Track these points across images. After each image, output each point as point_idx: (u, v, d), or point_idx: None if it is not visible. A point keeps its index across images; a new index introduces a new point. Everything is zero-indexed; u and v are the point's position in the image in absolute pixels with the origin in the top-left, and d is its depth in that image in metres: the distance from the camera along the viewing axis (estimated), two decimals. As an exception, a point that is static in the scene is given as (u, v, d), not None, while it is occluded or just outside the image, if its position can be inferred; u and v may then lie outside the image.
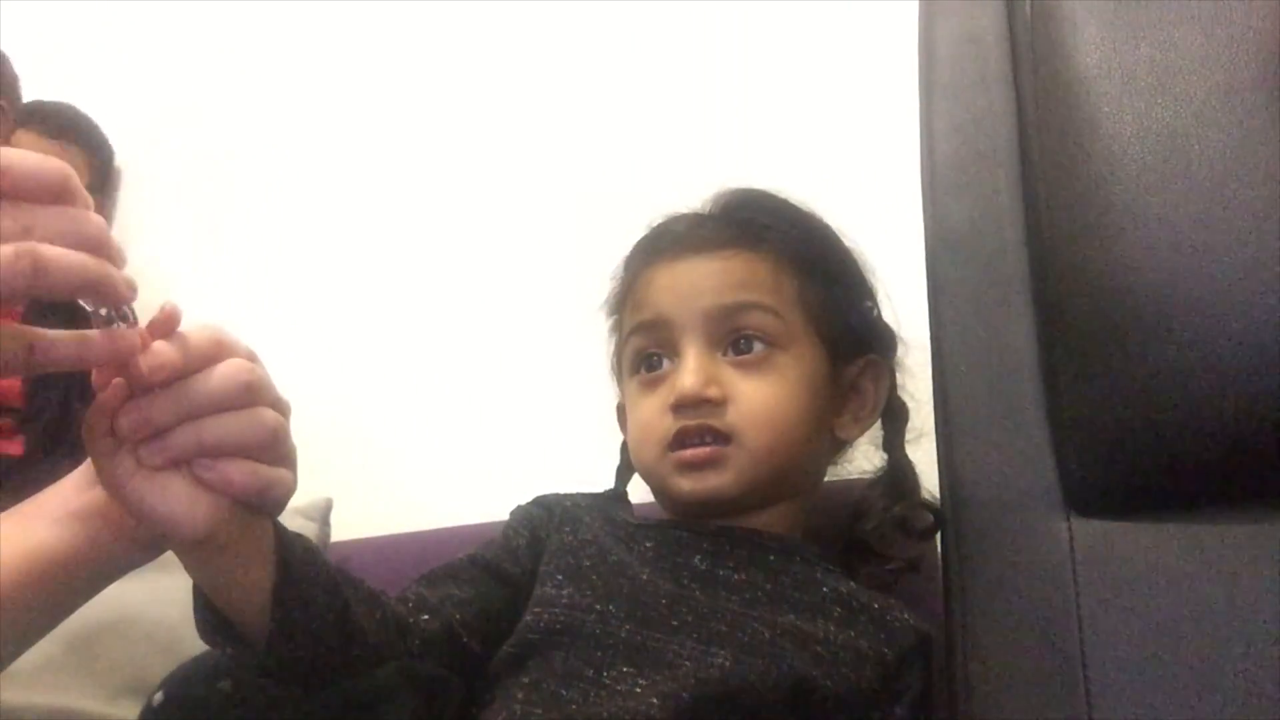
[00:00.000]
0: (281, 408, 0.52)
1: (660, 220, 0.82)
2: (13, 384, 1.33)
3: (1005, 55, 0.77)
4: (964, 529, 0.69)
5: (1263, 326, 0.59)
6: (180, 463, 0.49)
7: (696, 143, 1.25)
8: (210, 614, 0.57)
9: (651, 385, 0.76)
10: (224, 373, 0.49)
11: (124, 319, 0.46)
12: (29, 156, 0.42)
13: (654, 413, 0.74)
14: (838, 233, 0.82)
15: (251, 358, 0.51)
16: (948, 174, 0.77)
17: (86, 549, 0.57)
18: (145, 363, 0.46)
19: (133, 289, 0.45)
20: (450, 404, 1.32)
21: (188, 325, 0.49)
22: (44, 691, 0.87)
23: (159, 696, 0.61)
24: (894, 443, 0.80)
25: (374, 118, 1.51)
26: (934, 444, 0.74)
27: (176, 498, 0.49)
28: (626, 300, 0.80)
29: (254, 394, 0.49)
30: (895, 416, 0.81)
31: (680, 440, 0.72)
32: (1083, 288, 0.64)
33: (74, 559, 0.57)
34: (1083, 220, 0.65)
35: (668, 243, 0.78)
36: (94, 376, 0.48)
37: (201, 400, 0.48)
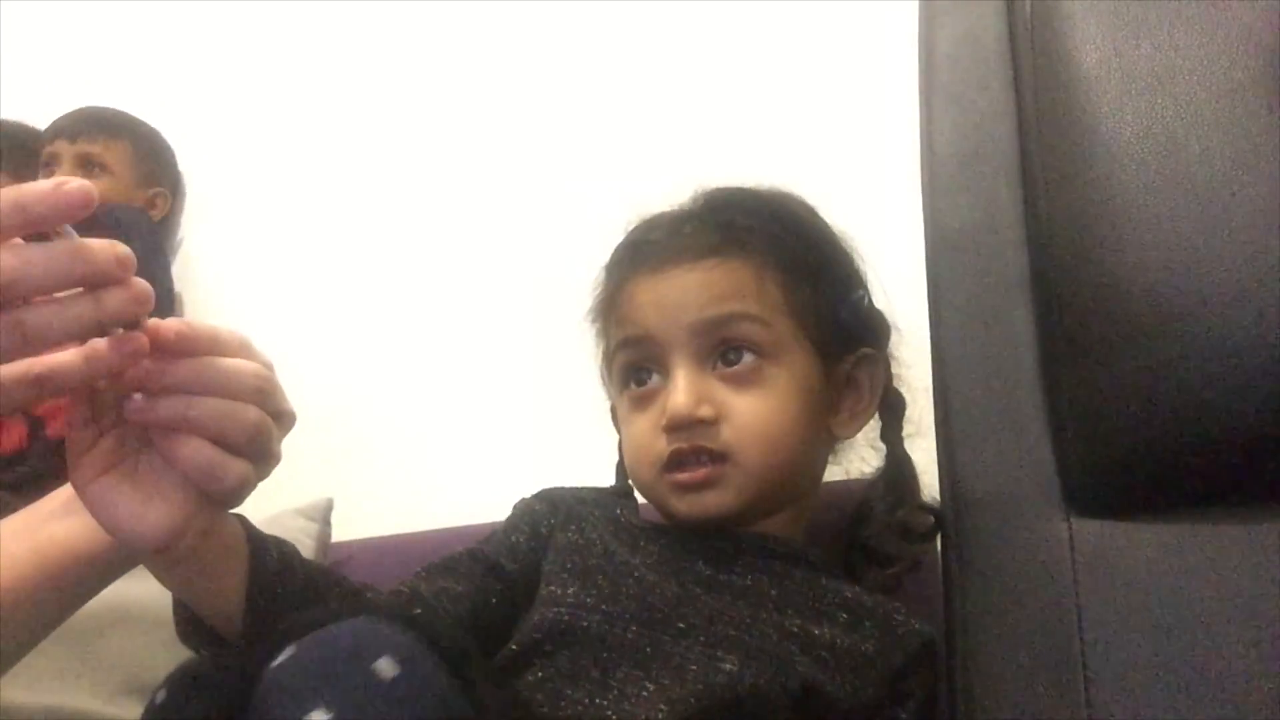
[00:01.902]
0: (286, 418, 0.52)
1: (639, 225, 0.80)
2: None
3: (1005, 55, 0.77)
4: (964, 529, 0.69)
5: (1263, 326, 0.59)
6: (157, 428, 0.48)
7: (696, 143, 1.25)
8: (186, 615, 0.57)
9: (642, 402, 0.74)
10: (239, 367, 0.49)
11: (132, 325, 0.45)
12: None
13: (646, 432, 0.73)
14: (823, 221, 0.80)
15: (269, 368, 0.51)
16: (948, 174, 0.77)
17: (94, 542, 0.57)
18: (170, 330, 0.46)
19: (145, 302, 0.45)
20: (451, 404, 1.32)
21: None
22: (44, 691, 0.87)
23: (162, 694, 0.61)
24: (892, 436, 0.79)
25: (377, 123, 1.51)
26: (931, 442, 0.74)
27: (129, 506, 0.49)
28: (610, 313, 0.78)
29: (262, 397, 0.49)
30: (892, 409, 0.79)
31: (675, 462, 0.71)
32: (1083, 288, 0.65)
33: (82, 552, 0.57)
34: (1083, 220, 0.65)
35: (649, 253, 0.76)
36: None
37: (210, 379, 0.48)
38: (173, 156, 1.66)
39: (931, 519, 0.76)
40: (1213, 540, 0.61)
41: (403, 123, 1.49)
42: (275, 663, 0.48)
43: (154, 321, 0.46)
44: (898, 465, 0.78)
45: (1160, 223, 0.62)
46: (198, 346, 0.48)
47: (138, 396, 0.48)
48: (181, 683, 0.60)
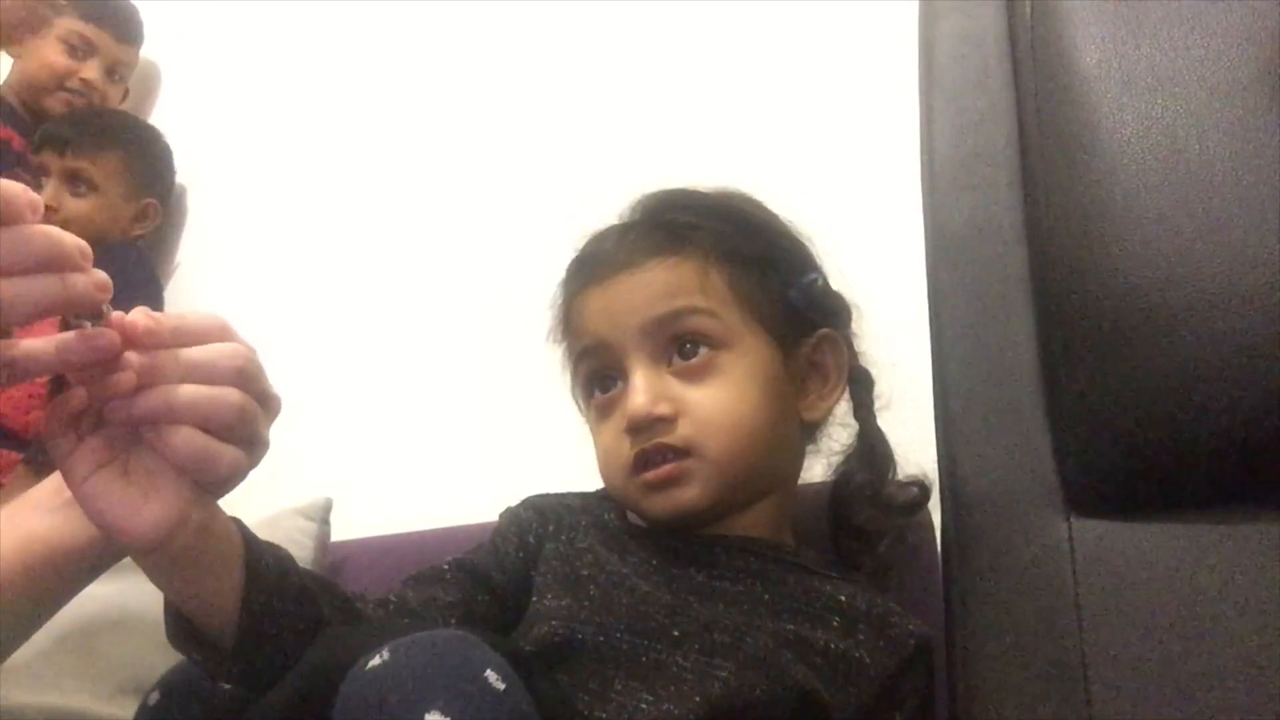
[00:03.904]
0: (272, 402, 0.51)
1: (587, 240, 0.80)
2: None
3: (1005, 55, 0.77)
4: (964, 529, 0.69)
5: (1263, 326, 0.59)
6: (141, 424, 0.48)
7: (694, 144, 1.25)
8: (178, 620, 0.56)
9: (607, 409, 0.74)
10: (216, 351, 0.49)
11: (97, 317, 0.45)
12: None
13: (612, 438, 0.73)
14: (768, 212, 0.80)
15: (250, 350, 0.51)
16: (948, 174, 0.77)
17: (80, 537, 0.57)
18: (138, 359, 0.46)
19: (104, 289, 0.45)
20: (450, 404, 1.32)
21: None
22: (44, 691, 0.87)
23: (155, 695, 0.61)
24: (863, 412, 0.79)
25: (376, 124, 1.51)
26: (903, 413, 0.75)
27: (124, 503, 0.49)
28: (567, 328, 0.79)
29: (244, 380, 0.49)
30: (860, 385, 0.79)
31: (641, 463, 0.71)
32: (1083, 287, 0.64)
33: (68, 547, 0.57)
34: (1083, 220, 0.65)
35: (596, 265, 0.77)
36: (72, 378, 0.48)
37: (187, 368, 0.48)
38: (167, 156, 1.64)
39: (915, 490, 0.76)
40: (1213, 540, 0.61)
41: (403, 121, 1.49)
42: (370, 664, 0.48)
43: (118, 315, 0.46)
44: (870, 440, 0.78)
45: (1160, 222, 0.62)
46: (167, 337, 0.47)
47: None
48: (175, 685, 0.60)
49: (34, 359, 0.44)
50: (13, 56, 1.68)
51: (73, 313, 0.45)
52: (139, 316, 0.47)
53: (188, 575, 0.54)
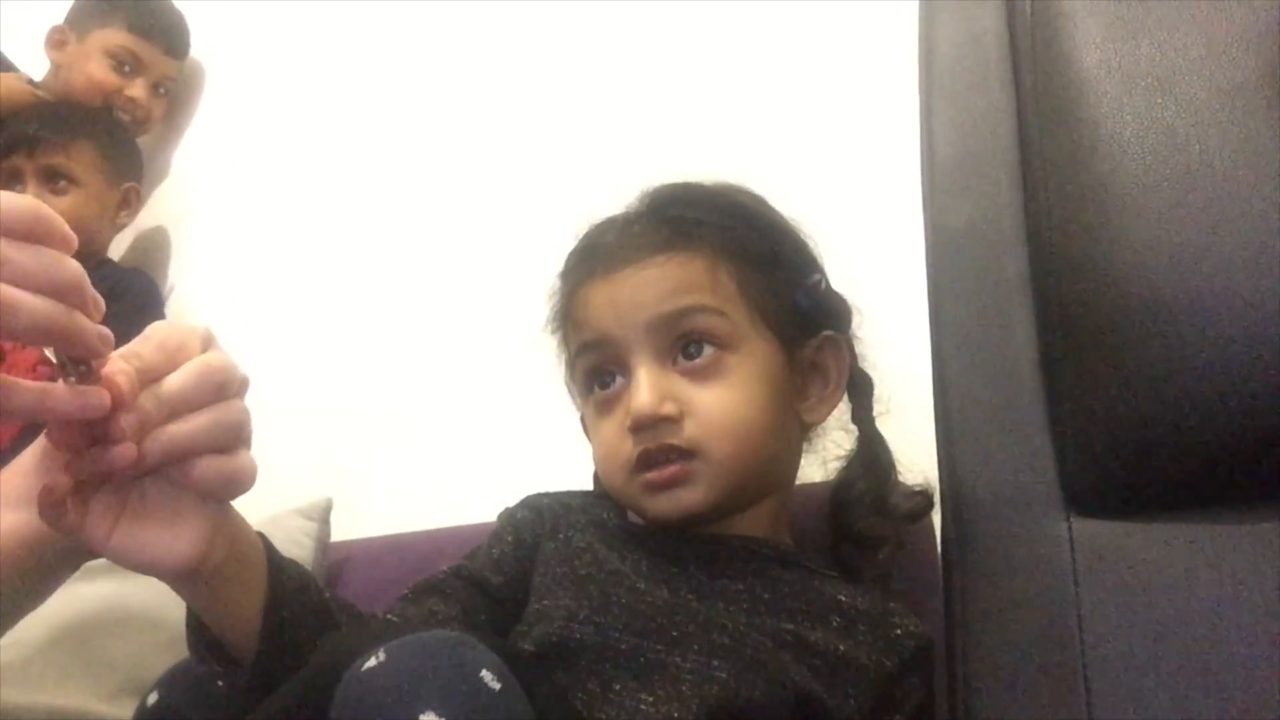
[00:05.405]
0: (244, 386, 0.51)
1: (589, 229, 0.79)
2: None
3: (1005, 55, 0.77)
4: (964, 529, 0.69)
5: (1263, 326, 0.59)
6: (154, 469, 0.48)
7: (694, 143, 1.25)
8: (201, 633, 0.57)
9: (608, 405, 0.74)
10: (194, 373, 0.48)
11: (84, 374, 0.45)
12: None
13: (614, 435, 0.72)
14: (772, 209, 0.79)
15: (208, 339, 0.50)
16: (948, 174, 0.77)
17: (47, 532, 0.57)
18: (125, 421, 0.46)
19: (106, 342, 0.44)
20: (450, 404, 1.32)
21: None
22: (44, 691, 0.87)
23: (153, 696, 0.61)
24: (863, 415, 0.78)
25: (368, 124, 1.51)
26: (904, 419, 0.75)
27: (156, 540, 0.49)
28: (567, 319, 0.78)
29: (226, 387, 0.49)
30: (860, 389, 0.79)
31: (644, 462, 0.70)
32: (1083, 288, 0.65)
33: (40, 542, 0.57)
34: (1083, 220, 0.65)
35: (600, 256, 0.76)
36: (49, 430, 0.47)
37: (174, 399, 0.47)
38: (133, 139, 1.59)
39: (918, 499, 0.76)
40: (1213, 540, 0.61)
41: (397, 121, 1.49)
42: (367, 666, 0.48)
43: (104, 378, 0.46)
44: (871, 445, 0.78)
45: (1160, 222, 0.62)
46: (138, 384, 0.47)
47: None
48: (175, 685, 0.61)
49: (16, 394, 0.43)
50: (53, 62, 1.61)
51: (68, 349, 0.44)
52: (118, 378, 0.46)
53: (217, 589, 0.54)
